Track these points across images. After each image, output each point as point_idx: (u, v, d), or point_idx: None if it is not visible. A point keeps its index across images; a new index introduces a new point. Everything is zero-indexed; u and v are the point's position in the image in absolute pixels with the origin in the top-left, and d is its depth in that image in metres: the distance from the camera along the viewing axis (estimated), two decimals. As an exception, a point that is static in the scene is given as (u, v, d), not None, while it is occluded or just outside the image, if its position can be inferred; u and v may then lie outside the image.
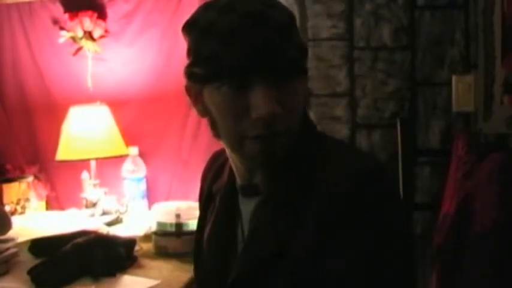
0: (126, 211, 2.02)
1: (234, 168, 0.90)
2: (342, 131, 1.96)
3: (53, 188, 2.24)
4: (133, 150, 2.09)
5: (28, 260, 1.54)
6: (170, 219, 1.66)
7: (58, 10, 2.21)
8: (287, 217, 0.80)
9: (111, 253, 1.52)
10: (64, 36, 2.17)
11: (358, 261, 0.75)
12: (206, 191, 1.01)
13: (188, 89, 0.87)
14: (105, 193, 2.06)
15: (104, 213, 2.00)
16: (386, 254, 0.76)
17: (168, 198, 2.12)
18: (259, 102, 0.77)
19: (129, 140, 2.12)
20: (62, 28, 2.19)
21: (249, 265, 0.83)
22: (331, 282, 0.75)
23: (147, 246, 1.69)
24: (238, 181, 0.90)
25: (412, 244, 0.85)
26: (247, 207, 0.89)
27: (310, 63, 1.97)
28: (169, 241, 1.64)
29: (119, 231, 1.83)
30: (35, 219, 2.01)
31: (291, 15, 0.82)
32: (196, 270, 1.02)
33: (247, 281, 0.83)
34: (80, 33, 2.14)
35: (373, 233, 0.75)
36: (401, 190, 1.72)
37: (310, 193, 0.79)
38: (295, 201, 0.80)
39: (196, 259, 1.01)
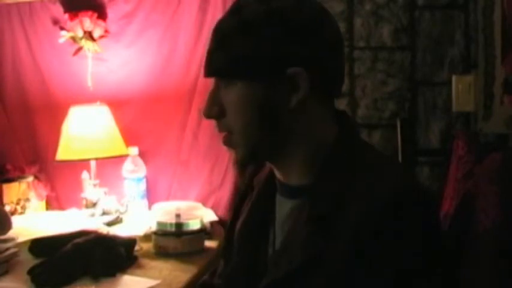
0: (126, 211, 2.01)
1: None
2: (342, 131, 1.96)
3: (53, 188, 2.23)
4: (133, 150, 2.09)
5: (28, 260, 1.54)
6: (170, 219, 1.66)
7: (58, 10, 2.21)
8: (320, 228, 0.79)
9: (111, 253, 1.52)
10: (64, 36, 2.17)
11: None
12: (246, 181, 1.02)
13: None
14: (105, 193, 2.06)
15: (104, 213, 2.00)
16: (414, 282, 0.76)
17: (168, 198, 2.12)
18: None
19: (129, 140, 2.12)
20: (62, 28, 2.19)
21: (281, 273, 0.82)
22: None
23: (147, 246, 1.69)
24: (278, 178, 0.91)
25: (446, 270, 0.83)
26: (282, 207, 0.89)
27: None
28: (169, 241, 1.64)
29: (119, 231, 1.83)
30: (35, 219, 2.01)
31: (245, 21, 0.81)
32: (225, 259, 1.02)
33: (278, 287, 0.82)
34: (80, 33, 2.14)
35: (401, 261, 0.75)
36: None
37: (345, 206, 0.78)
38: (329, 212, 0.79)
39: (226, 248, 1.01)
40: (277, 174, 0.91)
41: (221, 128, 0.87)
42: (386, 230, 0.74)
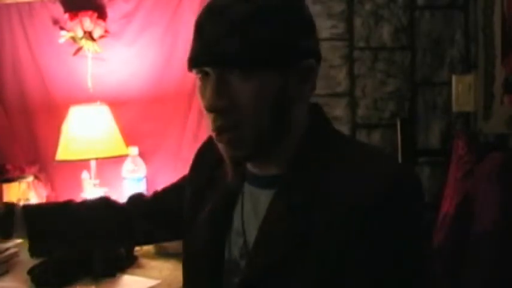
0: (126, 211, 2.01)
1: None
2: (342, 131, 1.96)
3: (53, 188, 2.23)
4: (133, 150, 2.09)
5: (28, 260, 1.54)
6: (170, 219, 1.65)
7: (58, 10, 2.21)
8: (300, 217, 0.78)
9: (111, 253, 1.52)
10: (64, 36, 2.17)
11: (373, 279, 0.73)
12: (207, 173, 0.98)
13: None
14: (105, 193, 2.06)
15: (104, 213, 1.99)
16: (402, 274, 0.75)
17: (168, 198, 2.11)
18: (206, 94, 0.80)
19: (129, 140, 2.12)
20: (62, 28, 2.19)
21: (261, 264, 0.81)
22: None
23: (147, 246, 1.70)
24: (249, 168, 0.89)
25: (429, 260, 0.83)
26: (254, 197, 0.87)
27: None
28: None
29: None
30: (35, 219, 2.01)
31: (263, 6, 0.77)
32: (187, 247, 0.98)
33: (257, 282, 0.81)
34: (80, 33, 2.14)
35: (391, 253, 0.74)
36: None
37: (326, 194, 0.77)
38: (307, 201, 0.78)
39: (187, 237, 0.98)
40: (251, 167, 0.88)
41: (227, 122, 0.79)
42: (384, 212, 0.73)
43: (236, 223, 0.88)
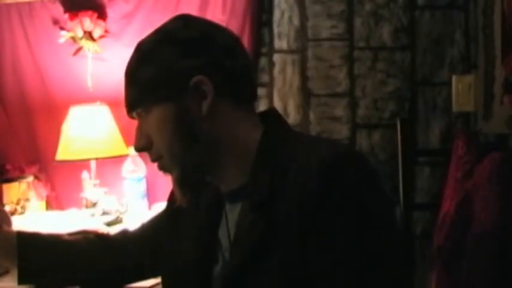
0: (126, 211, 2.01)
1: None
2: (342, 131, 1.96)
3: (53, 188, 2.23)
4: (133, 150, 2.08)
5: (28, 260, 1.54)
6: (170, 219, 1.65)
7: (58, 10, 2.21)
8: (259, 217, 0.82)
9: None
10: (64, 36, 2.17)
11: (342, 260, 0.76)
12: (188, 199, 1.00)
13: None
14: (105, 193, 2.06)
15: (104, 213, 2.00)
16: (370, 250, 0.76)
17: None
18: None
19: (129, 140, 2.11)
20: (62, 28, 2.19)
21: (232, 266, 0.85)
22: (317, 283, 0.77)
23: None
24: (222, 188, 0.93)
25: (398, 228, 0.84)
26: (232, 213, 0.91)
27: (310, 63, 1.97)
28: (169, 241, 1.64)
29: (119, 231, 1.83)
30: (35, 219, 2.01)
31: (142, 52, 0.91)
32: (168, 265, 1.01)
33: (233, 281, 0.84)
34: (80, 33, 2.14)
35: (353, 230, 0.76)
36: (401, 190, 1.72)
37: (282, 190, 0.81)
38: (266, 200, 0.82)
39: (167, 255, 1.01)
40: (220, 186, 0.93)
41: (153, 157, 0.90)
42: (328, 194, 0.76)
43: (224, 241, 0.92)
